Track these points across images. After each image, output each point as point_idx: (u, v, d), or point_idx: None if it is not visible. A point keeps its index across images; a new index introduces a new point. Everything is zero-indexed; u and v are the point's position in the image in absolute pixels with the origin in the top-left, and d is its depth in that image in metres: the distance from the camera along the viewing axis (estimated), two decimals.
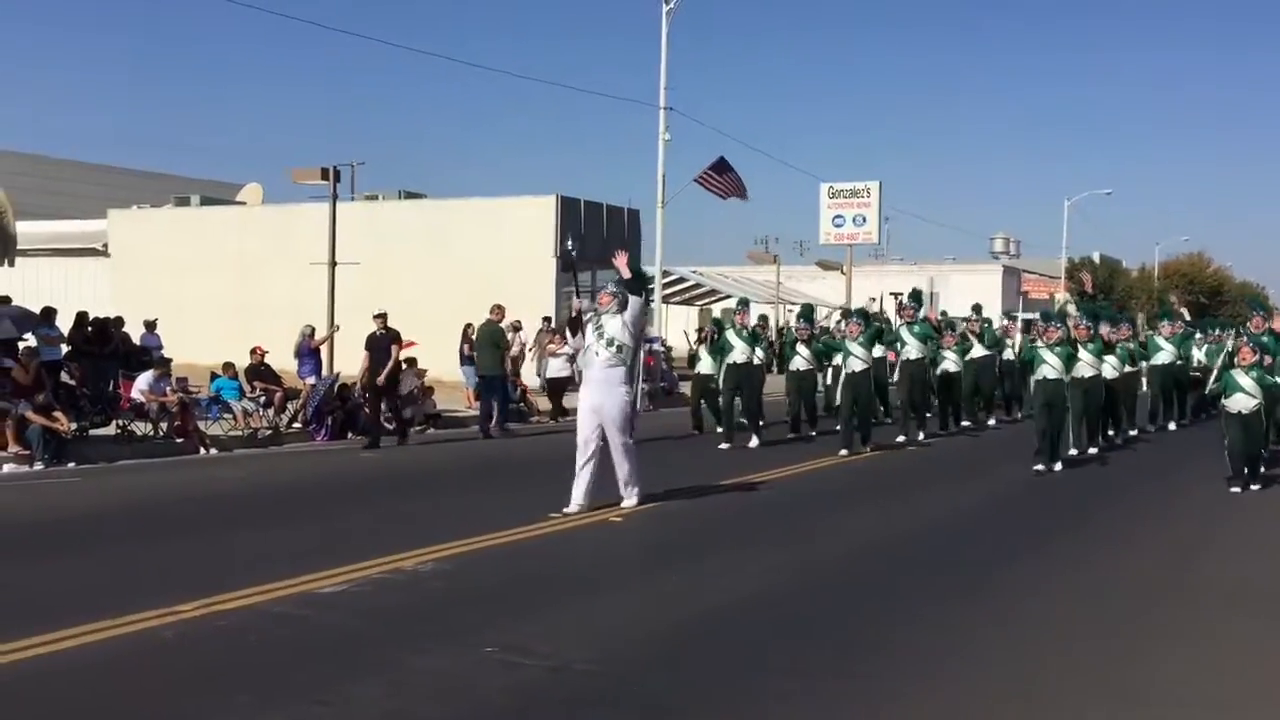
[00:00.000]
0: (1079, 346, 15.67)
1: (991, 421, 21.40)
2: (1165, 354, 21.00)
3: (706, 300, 43.49)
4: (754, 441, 17.01)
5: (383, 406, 17.98)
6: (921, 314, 19.90)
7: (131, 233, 35.43)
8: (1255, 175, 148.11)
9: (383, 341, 17.27)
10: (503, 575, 8.25)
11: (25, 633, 6.27)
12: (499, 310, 19.81)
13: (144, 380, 17.58)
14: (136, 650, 6.21)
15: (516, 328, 24.35)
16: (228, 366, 19.29)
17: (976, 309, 23.06)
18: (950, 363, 19.82)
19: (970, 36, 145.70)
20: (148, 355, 21.97)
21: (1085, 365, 15.78)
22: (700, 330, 27.86)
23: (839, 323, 22.73)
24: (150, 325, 23.28)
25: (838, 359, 18.52)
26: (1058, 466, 14.55)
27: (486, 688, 5.69)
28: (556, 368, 23.08)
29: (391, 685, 5.67)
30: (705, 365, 19.14)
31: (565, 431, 17.13)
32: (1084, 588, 8.29)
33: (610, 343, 10.53)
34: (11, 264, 18.79)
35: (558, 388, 22.92)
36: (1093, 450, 16.49)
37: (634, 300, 10.60)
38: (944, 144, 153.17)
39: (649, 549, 9.32)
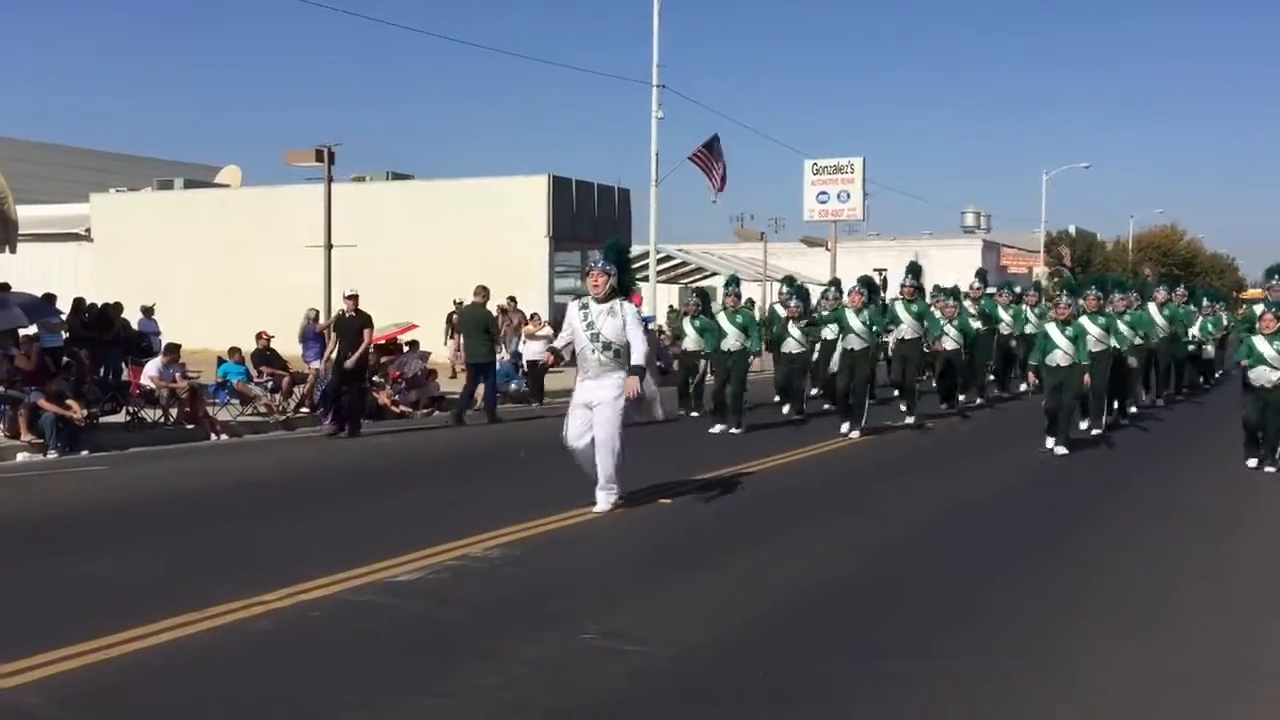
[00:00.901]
0: (1089, 320, 15.12)
1: (980, 400, 20.40)
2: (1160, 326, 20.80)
3: (692, 278, 43.34)
4: (736, 429, 16.12)
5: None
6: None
7: (114, 217, 35.03)
8: (1229, 148, 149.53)
9: (353, 324, 16.24)
10: (571, 560, 8.21)
11: (117, 626, 6.17)
12: (483, 292, 18.45)
13: (153, 366, 17.40)
14: (241, 642, 6.12)
15: (505, 309, 23.64)
16: (234, 351, 19.11)
17: (981, 275, 23.04)
18: (949, 339, 18.76)
19: (949, 12, 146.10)
20: (146, 341, 21.80)
21: (1093, 340, 15.00)
22: (685, 306, 27.61)
23: (831, 291, 21.52)
24: (148, 311, 23.11)
25: (827, 332, 17.96)
26: (1061, 450, 13.92)
27: (602, 676, 5.64)
28: (535, 350, 22.10)
29: (504, 675, 5.61)
30: (690, 341, 17.89)
31: (554, 416, 16.93)
32: (1160, 568, 8.29)
33: (607, 347, 9.48)
34: (13, 250, 18.52)
35: (538, 371, 22.00)
36: (1095, 432, 15.77)
37: (638, 333, 9.61)
38: (916, 117, 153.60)
39: (705, 533, 9.18)
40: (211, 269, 33.01)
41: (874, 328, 15.86)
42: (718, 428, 16.24)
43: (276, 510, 10.26)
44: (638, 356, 9.50)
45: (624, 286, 10.06)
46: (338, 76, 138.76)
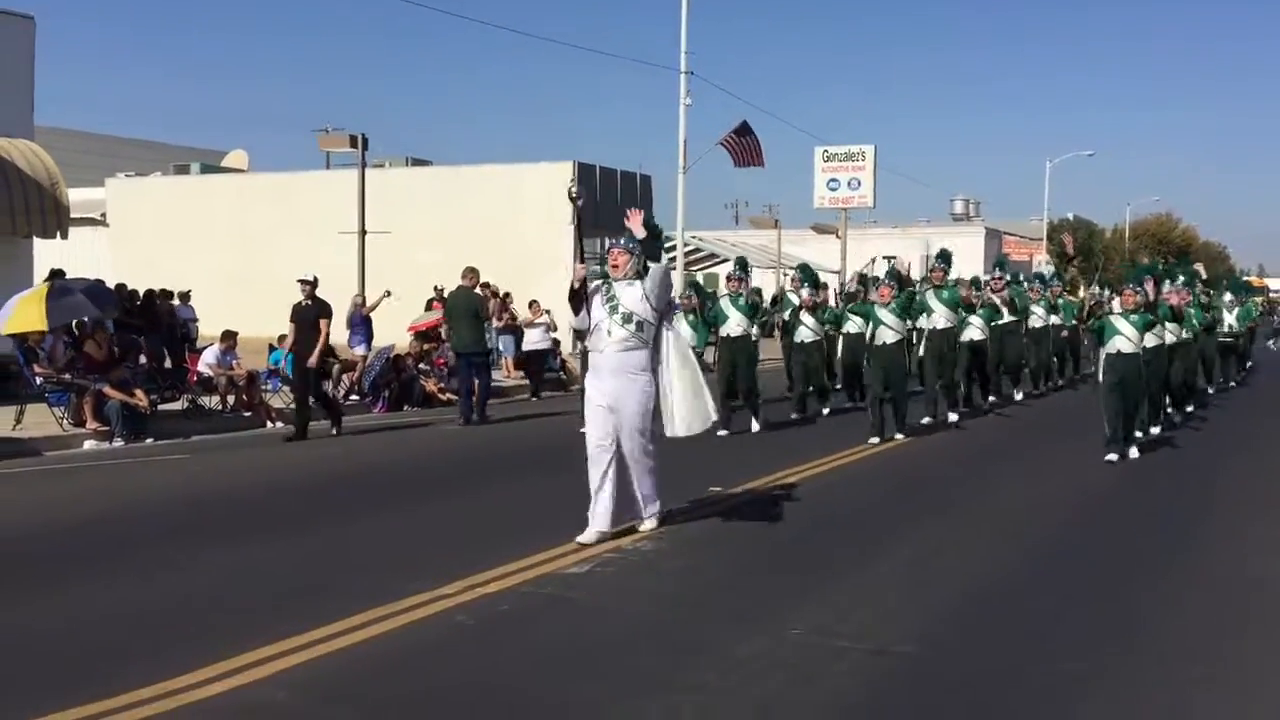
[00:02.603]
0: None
1: (1019, 395, 19.58)
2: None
3: (703, 265, 43.43)
4: (755, 425, 15.00)
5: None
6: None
7: (131, 202, 34.77)
8: (1220, 135, 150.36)
9: (309, 314, 14.57)
10: (724, 552, 8.16)
11: (318, 621, 6.17)
12: (472, 274, 16.80)
13: (210, 354, 17.34)
14: (447, 636, 6.13)
15: (497, 293, 22.57)
16: (284, 338, 18.99)
17: (1000, 264, 21.64)
18: (976, 330, 17.44)
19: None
20: (185, 328, 21.71)
21: (1153, 336, 13.49)
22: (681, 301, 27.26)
23: (853, 284, 20.27)
24: (184, 297, 22.97)
25: (849, 326, 17.11)
26: (1134, 453, 12.86)
27: (831, 673, 5.65)
28: (534, 339, 21.64)
29: (736, 672, 5.59)
30: (685, 335, 16.31)
31: (559, 414, 16.85)
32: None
33: (628, 318, 8.27)
34: (64, 236, 18.42)
35: (536, 362, 21.39)
36: (1155, 430, 14.51)
37: (655, 267, 8.58)
38: (907, 101, 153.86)
39: (818, 536, 9.00)
40: (229, 254, 32.82)
41: (906, 316, 14.75)
42: (723, 431, 14.07)
43: (387, 501, 10.22)
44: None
45: (648, 269, 8.69)
46: (350, 59, 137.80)
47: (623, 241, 8.62)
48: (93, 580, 7.30)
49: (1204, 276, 23.89)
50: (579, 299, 8.39)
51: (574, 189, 8.69)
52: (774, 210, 59.87)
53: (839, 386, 18.79)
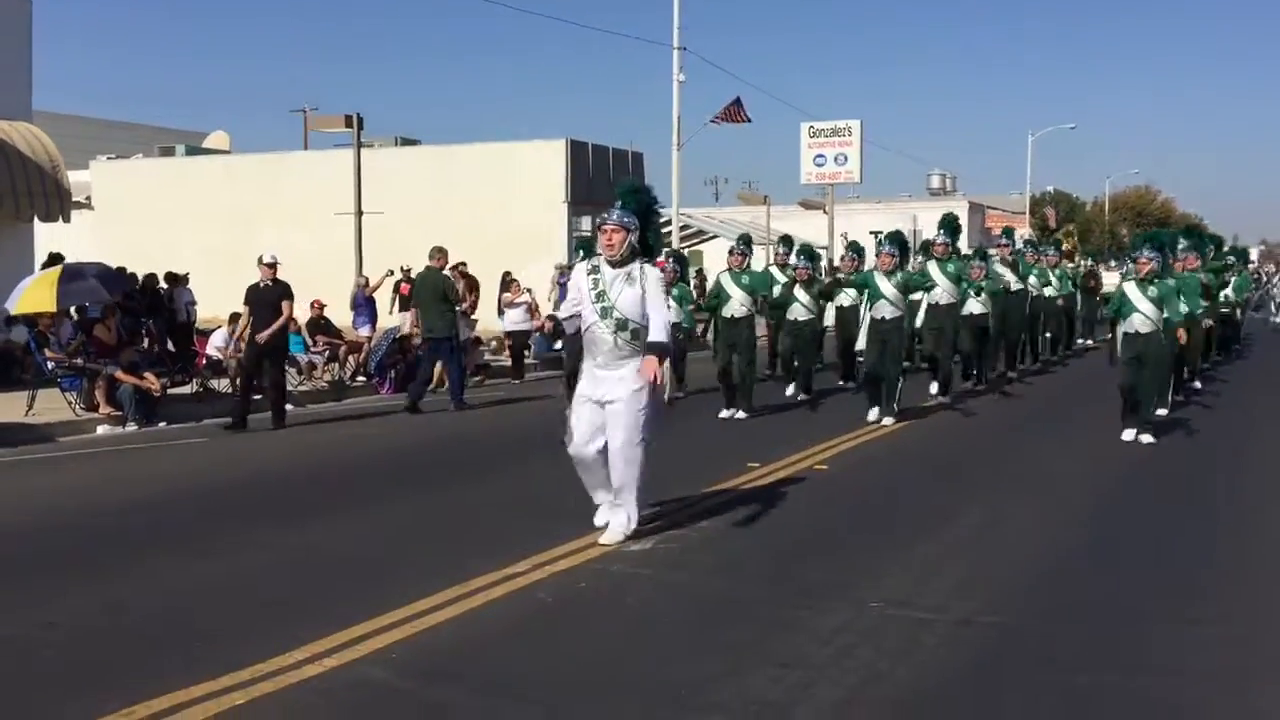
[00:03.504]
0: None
1: (1011, 374, 18.58)
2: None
3: (694, 242, 43.36)
4: (740, 413, 13.97)
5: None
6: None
7: (115, 184, 34.44)
8: (1201, 108, 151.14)
9: (269, 295, 14.06)
10: (777, 528, 8.12)
11: (399, 600, 6.15)
12: (440, 254, 16.04)
13: (219, 336, 17.23)
14: (532, 613, 6.11)
15: (464, 274, 20.91)
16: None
17: (1008, 233, 21.21)
18: (977, 303, 16.70)
19: None
20: (185, 311, 21.54)
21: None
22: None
23: (849, 255, 19.04)
24: (183, 279, 22.74)
25: (842, 299, 16.74)
26: (1146, 438, 12.04)
27: (923, 646, 5.65)
28: (515, 319, 20.95)
29: (828, 646, 5.59)
30: (671, 314, 14.87)
31: (538, 398, 16.66)
32: None
33: (622, 325, 7.29)
34: (67, 219, 18.24)
35: (519, 342, 20.77)
36: (1161, 413, 13.42)
37: (653, 273, 7.56)
38: (889, 76, 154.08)
39: (866, 509, 9.07)
40: (217, 236, 32.53)
41: (908, 292, 13.85)
42: (725, 412, 13.95)
43: (418, 482, 10.16)
44: (658, 332, 7.36)
45: (647, 248, 7.80)
46: (331, 37, 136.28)
47: (616, 215, 7.44)
48: (166, 561, 7.24)
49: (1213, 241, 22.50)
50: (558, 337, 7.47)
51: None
52: (754, 186, 59.93)
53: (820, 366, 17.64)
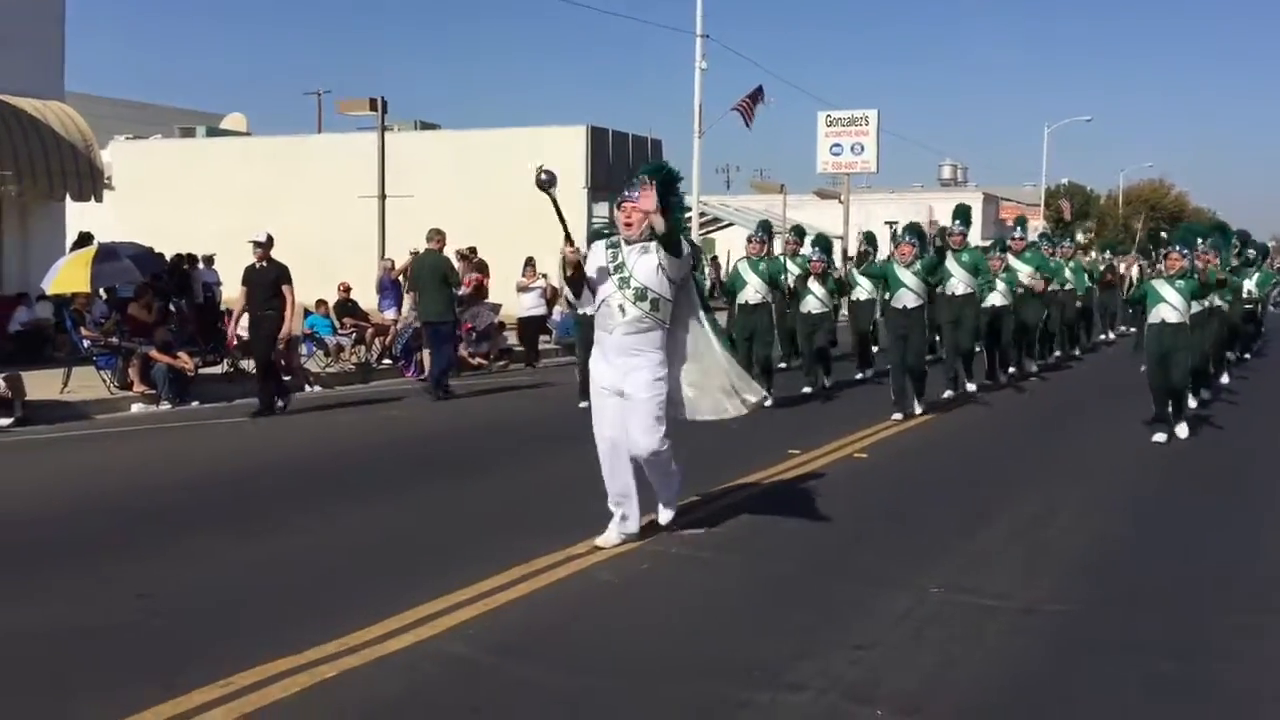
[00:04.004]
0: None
1: (1033, 367, 18.20)
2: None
3: (706, 230, 43.37)
4: (767, 400, 12.97)
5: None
6: None
7: (136, 165, 34.50)
8: (1214, 103, 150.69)
9: (265, 277, 13.56)
10: (828, 514, 8.08)
11: (470, 578, 6.24)
12: (439, 237, 15.60)
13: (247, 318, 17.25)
14: (601, 595, 6.21)
15: (465, 256, 21.00)
16: (320, 304, 19.04)
17: (1020, 222, 20.69)
18: (998, 295, 16.25)
19: None
20: (210, 292, 21.66)
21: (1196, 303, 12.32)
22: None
23: (863, 245, 19.35)
24: (209, 260, 22.88)
25: (857, 292, 16.69)
26: (1183, 432, 11.78)
27: (991, 632, 5.70)
28: (528, 305, 20.79)
29: (898, 631, 5.66)
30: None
31: (549, 384, 16.68)
32: None
33: (641, 295, 6.97)
34: (99, 199, 18.32)
35: (531, 328, 20.65)
36: (1194, 404, 13.25)
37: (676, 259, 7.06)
38: (897, 69, 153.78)
39: (911, 497, 9.10)
40: (236, 218, 32.51)
41: (929, 281, 13.55)
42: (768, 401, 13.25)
43: (460, 466, 10.22)
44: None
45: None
46: (350, 21, 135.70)
47: (635, 194, 7.07)
48: (224, 540, 7.33)
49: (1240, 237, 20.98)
50: (577, 283, 7.20)
51: (542, 173, 7.30)
52: (765, 174, 59.96)
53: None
